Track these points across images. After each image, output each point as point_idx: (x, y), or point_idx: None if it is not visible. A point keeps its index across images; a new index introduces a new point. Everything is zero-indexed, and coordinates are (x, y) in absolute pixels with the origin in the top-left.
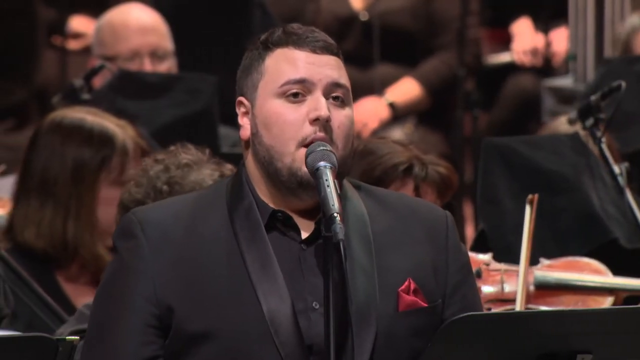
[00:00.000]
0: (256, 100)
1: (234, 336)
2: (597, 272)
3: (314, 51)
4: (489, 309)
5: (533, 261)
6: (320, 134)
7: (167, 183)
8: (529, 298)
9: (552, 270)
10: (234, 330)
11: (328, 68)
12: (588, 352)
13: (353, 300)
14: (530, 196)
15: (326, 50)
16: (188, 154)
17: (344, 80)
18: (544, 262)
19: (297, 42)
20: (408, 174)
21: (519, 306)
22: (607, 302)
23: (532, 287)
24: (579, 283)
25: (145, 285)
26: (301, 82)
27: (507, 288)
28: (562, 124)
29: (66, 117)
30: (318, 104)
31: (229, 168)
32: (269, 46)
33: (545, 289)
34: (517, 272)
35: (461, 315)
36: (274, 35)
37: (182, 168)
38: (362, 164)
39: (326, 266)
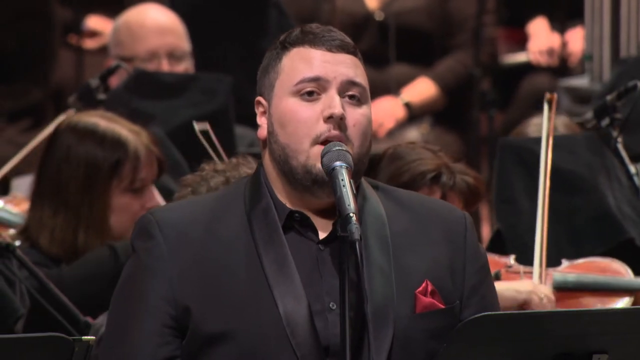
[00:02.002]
0: (272, 100)
1: (251, 337)
2: (617, 272)
3: (329, 50)
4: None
5: (554, 262)
6: (335, 132)
7: None
8: None
9: (572, 272)
10: (250, 331)
11: (343, 66)
12: (604, 352)
13: (370, 302)
14: (548, 95)
15: (342, 48)
16: (248, 167)
17: (360, 78)
18: (565, 263)
19: (313, 41)
20: (436, 181)
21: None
22: (626, 303)
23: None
24: (598, 284)
25: (163, 285)
26: (316, 80)
27: None
28: (530, 126)
29: (81, 121)
30: (332, 101)
31: None
32: (286, 46)
33: (564, 290)
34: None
35: (477, 315)
36: (292, 35)
37: None
38: (390, 168)
39: (342, 266)
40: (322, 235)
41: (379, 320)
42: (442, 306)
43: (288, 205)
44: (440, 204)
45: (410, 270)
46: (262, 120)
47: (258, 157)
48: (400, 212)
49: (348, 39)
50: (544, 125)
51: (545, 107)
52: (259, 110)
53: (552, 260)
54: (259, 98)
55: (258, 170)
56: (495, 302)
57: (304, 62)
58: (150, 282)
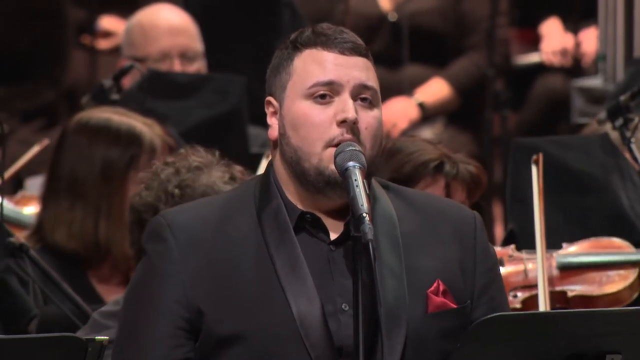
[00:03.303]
0: (284, 101)
1: (264, 338)
2: (619, 248)
3: (342, 52)
4: (515, 296)
5: (555, 245)
6: (348, 136)
7: (178, 186)
8: (554, 280)
9: (573, 252)
10: (263, 333)
11: (356, 70)
12: (617, 352)
13: (382, 302)
14: (535, 156)
15: (355, 51)
16: (198, 156)
17: (372, 81)
18: (566, 245)
19: (325, 43)
20: (439, 171)
21: (541, 285)
22: (631, 276)
23: (556, 271)
24: (601, 260)
25: (175, 288)
26: (329, 84)
27: (531, 274)
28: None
29: (93, 117)
30: (345, 105)
31: (238, 170)
32: (297, 46)
33: (568, 269)
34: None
35: (490, 316)
36: (303, 35)
37: (193, 171)
38: (391, 162)
39: (355, 266)
40: (333, 236)
41: (391, 320)
42: (454, 306)
43: (299, 206)
44: (450, 203)
45: (421, 270)
46: (272, 121)
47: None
48: (410, 212)
49: (360, 41)
50: (535, 185)
51: (533, 168)
52: (269, 110)
53: (553, 244)
54: (269, 98)
55: (267, 171)
56: (505, 301)
57: (317, 65)
58: (163, 285)
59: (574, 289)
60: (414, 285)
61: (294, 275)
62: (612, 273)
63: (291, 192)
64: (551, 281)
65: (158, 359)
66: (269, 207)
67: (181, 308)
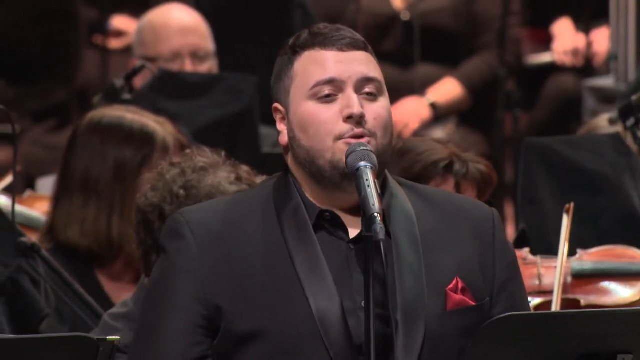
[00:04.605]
0: (290, 105)
1: (283, 336)
2: (633, 258)
3: (340, 49)
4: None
5: (570, 252)
6: (357, 130)
7: (183, 187)
8: (567, 288)
9: (589, 259)
10: (283, 330)
11: (356, 64)
12: (629, 352)
13: (401, 300)
14: (567, 205)
15: (353, 46)
16: (204, 156)
17: (374, 73)
18: (580, 252)
19: (323, 42)
20: (449, 170)
21: (554, 306)
22: None
23: (570, 278)
24: (616, 269)
25: (194, 285)
26: (331, 82)
27: (545, 280)
28: (602, 122)
29: (105, 116)
30: (350, 101)
31: (244, 170)
32: (296, 50)
33: (583, 277)
34: (552, 264)
35: (502, 315)
36: (301, 38)
37: (199, 172)
38: (401, 161)
39: (367, 266)
40: (352, 234)
41: (410, 318)
42: (473, 303)
43: (317, 204)
44: (468, 200)
45: (440, 267)
46: (281, 127)
47: (283, 158)
48: (428, 210)
49: (357, 35)
50: (562, 233)
51: (564, 216)
52: (277, 116)
53: (569, 251)
54: (276, 105)
55: (285, 172)
56: (525, 298)
57: (317, 65)
58: (181, 282)
59: (588, 297)
60: (432, 282)
61: (314, 273)
62: (627, 283)
63: (309, 192)
64: (565, 288)
65: (176, 357)
66: (288, 206)
67: (200, 305)
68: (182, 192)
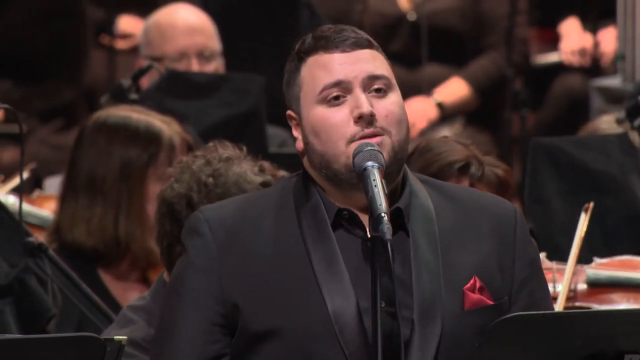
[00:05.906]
0: (301, 112)
1: (299, 335)
2: None
3: (344, 50)
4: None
5: (586, 260)
6: (368, 130)
7: (212, 175)
8: (581, 296)
9: (604, 269)
10: (299, 329)
11: (361, 63)
12: (636, 353)
13: (418, 299)
14: (586, 205)
15: (356, 45)
16: (227, 149)
17: (381, 70)
18: (597, 260)
19: (326, 45)
20: (464, 172)
21: (558, 307)
22: None
23: (584, 286)
24: (631, 280)
25: (213, 283)
26: (338, 84)
27: (559, 287)
28: (602, 123)
29: (111, 116)
30: (358, 101)
31: (266, 163)
32: (301, 56)
33: (597, 286)
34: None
35: (508, 315)
36: (305, 43)
37: (225, 161)
38: (420, 160)
39: (374, 265)
40: (370, 232)
41: (426, 317)
42: (491, 302)
43: (336, 203)
44: (490, 197)
45: (458, 266)
46: (296, 133)
47: (289, 157)
48: (449, 207)
49: (361, 34)
50: (577, 234)
51: (582, 215)
52: (292, 123)
53: (584, 259)
54: (289, 112)
55: (304, 172)
56: (547, 297)
57: (322, 69)
58: (200, 280)
59: (601, 307)
60: (450, 282)
61: (330, 272)
62: (639, 296)
63: (327, 192)
64: (578, 296)
65: (194, 355)
66: (307, 204)
67: (217, 303)
68: (210, 180)
